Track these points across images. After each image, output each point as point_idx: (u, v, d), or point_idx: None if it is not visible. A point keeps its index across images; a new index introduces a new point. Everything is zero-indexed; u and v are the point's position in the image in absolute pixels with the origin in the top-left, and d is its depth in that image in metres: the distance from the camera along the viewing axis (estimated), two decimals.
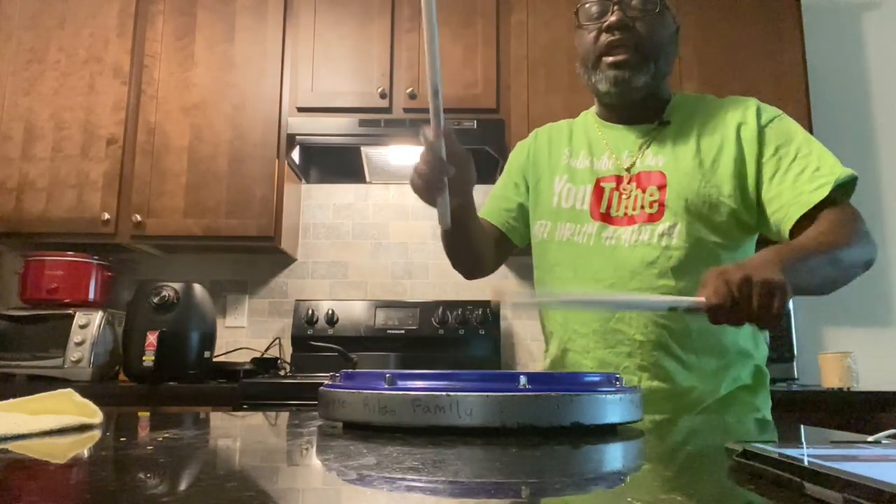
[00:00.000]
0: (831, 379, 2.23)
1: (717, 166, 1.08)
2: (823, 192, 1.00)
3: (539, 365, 2.57)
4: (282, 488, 0.42)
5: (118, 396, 2.08)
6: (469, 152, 1.06)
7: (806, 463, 0.35)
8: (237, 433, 0.74)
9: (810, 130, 2.44)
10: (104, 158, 2.42)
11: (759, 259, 0.85)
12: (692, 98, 1.19)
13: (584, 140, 1.20)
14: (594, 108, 1.24)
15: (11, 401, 0.68)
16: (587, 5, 1.12)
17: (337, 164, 2.71)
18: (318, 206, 2.79)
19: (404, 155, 2.55)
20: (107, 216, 2.37)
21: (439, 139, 1.00)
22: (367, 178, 2.75)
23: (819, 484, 0.33)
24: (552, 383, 0.64)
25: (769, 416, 1.13)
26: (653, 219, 1.08)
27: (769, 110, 1.13)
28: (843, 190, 1.03)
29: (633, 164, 1.12)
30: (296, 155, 2.56)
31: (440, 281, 2.70)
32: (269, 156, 2.43)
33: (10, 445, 0.54)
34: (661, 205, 1.08)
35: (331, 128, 2.42)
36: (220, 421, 0.88)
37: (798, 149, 1.06)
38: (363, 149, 2.52)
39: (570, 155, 1.20)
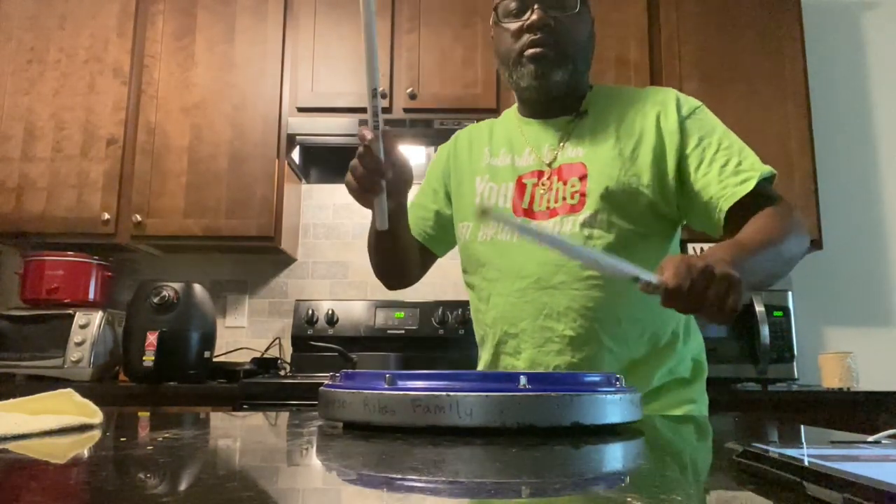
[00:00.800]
0: (831, 379, 2.23)
1: (637, 155, 1.07)
2: (750, 185, 1.00)
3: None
4: (282, 488, 0.42)
5: (118, 396, 2.08)
6: (406, 155, 1.05)
7: (806, 463, 0.35)
8: (237, 433, 0.74)
9: (810, 130, 2.44)
10: (104, 158, 2.42)
11: (717, 255, 0.83)
12: (610, 89, 1.19)
13: (504, 138, 1.20)
14: (515, 107, 1.24)
15: (11, 401, 0.68)
16: (506, 2, 1.13)
17: (337, 164, 2.71)
18: (318, 206, 2.79)
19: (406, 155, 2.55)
20: (107, 216, 2.37)
21: (377, 141, 0.99)
22: None
23: (819, 484, 0.33)
24: (552, 383, 0.64)
25: (705, 411, 1.14)
26: (574, 210, 1.07)
27: (689, 101, 1.12)
28: (766, 183, 1.03)
29: (554, 159, 1.12)
30: (296, 155, 2.56)
31: (440, 281, 2.70)
32: (269, 156, 2.43)
33: (10, 445, 0.54)
34: (583, 195, 1.07)
35: (331, 128, 2.42)
36: (220, 421, 0.88)
37: (720, 141, 1.06)
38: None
39: (490, 154, 1.19)
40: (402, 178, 1.04)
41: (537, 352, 1.06)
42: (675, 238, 1.15)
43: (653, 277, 0.78)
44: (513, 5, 1.12)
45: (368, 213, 1.06)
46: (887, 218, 2.74)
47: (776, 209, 1.00)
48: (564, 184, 1.09)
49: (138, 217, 2.37)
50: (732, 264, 0.81)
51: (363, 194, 1.01)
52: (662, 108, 1.10)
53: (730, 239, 0.96)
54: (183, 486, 0.42)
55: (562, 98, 1.14)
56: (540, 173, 1.12)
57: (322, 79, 2.48)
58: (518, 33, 1.10)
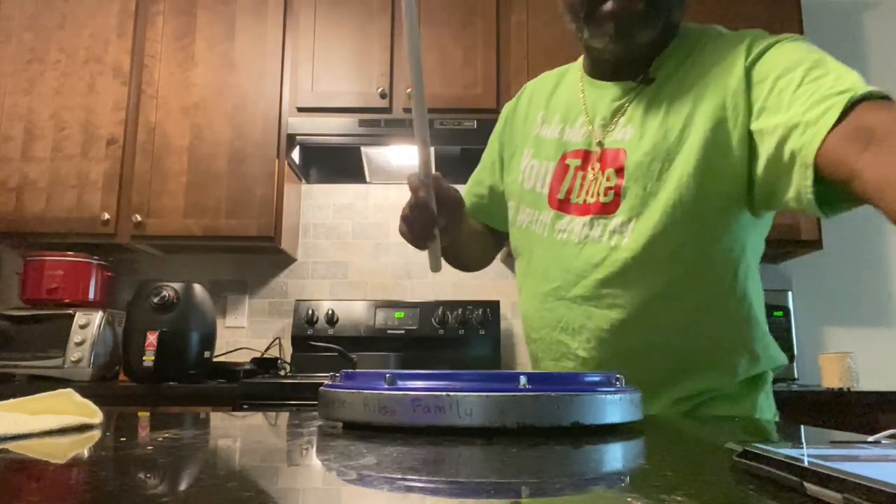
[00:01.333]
0: (831, 379, 2.23)
1: (685, 138, 0.84)
2: (836, 112, 0.68)
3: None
4: (282, 488, 0.42)
5: (118, 396, 2.08)
6: (458, 193, 0.98)
7: (806, 463, 0.35)
8: (237, 433, 0.74)
9: None
10: (104, 158, 2.42)
11: None
12: (695, 35, 0.94)
13: (563, 99, 1.00)
14: (582, 59, 1.02)
15: (11, 401, 0.68)
16: None
17: (337, 164, 2.71)
18: (318, 206, 2.79)
19: (404, 155, 2.55)
20: (107, 216, 2.37)
21: (429, 191, 0.92)
22: (367, 178, 2.75)
23: (819, 484, 0.33)
24: (552, 383, 0.64)
25: (765, 416, 0.95)
26: (607, 210, 0.88)
27: (766, 39, 0.84)
28: (872, 104, 0.69)
29: (605, 135, 0.92)
30: (296, 155, 2.56)
31: (440, 281, 2.70)
32: (269, 156, 2.43)
33: (10, 445, 0.54)
34: (617, 194, 0.88)
35: (331, 128, 2.42)
36: (220, 421, 0.88)
37: (805, 73, 0.75)
38: (363, 149, 2.52)
39: (542, 121, 1.01)
40: (454, 220, 0.98)
41: (553, 365, 0.96)
42: (747, 249, 0.89)
43: None
44: None
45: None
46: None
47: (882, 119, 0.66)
48: (602, 174, 0.90)
49: (138, 217, 2.37)
50: None
51: (416, 243, 0.97)
52: (730, 64, 0.83)
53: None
54: (183, 486, 0.42)
55: (641, 58, 0.91)
56: (587, 154, 0.93)
57: (322, 79, 2.48)
58: None
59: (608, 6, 0.86)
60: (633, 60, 0.92)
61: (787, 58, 0.79)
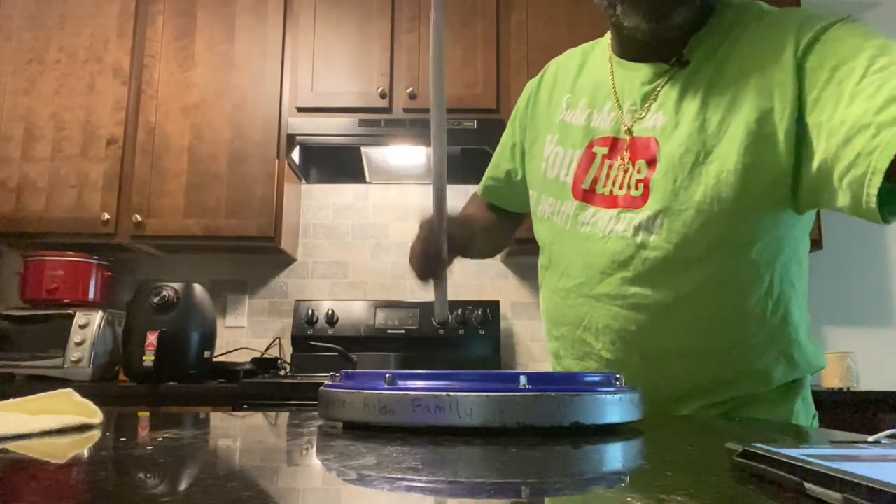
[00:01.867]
0: (831, 379, 2.23)
1: (725, 129, 0.77)
2: None
3: (539, 365, 2.58)
4: (282, 488, 0.42)
5: (118, 396, 2.08)
6: (468, 230, 0.98)
7: (806, 463, 0.35)
8: (237, 433, 0.74)
9: None
10: (104, 158, 2.42)
11: None
12: (735, 13, 0.84)
13: (590, 82, 0.94)
14: (609, 36, 0.95)
15: (11, 401, 0.68)
16: None
17: (337, 164, 2.71)
18: (318, 206, 2.79)
19: (404, 155, 2.55)
20: (107, 216, 2.37)
21: (442, 234, 0.88)
22: (367, 178, 2.75)
23: (819, 484, 0.33)
24: (552, 383, 0.64)
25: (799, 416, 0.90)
26: (635, 204, 0.82)
27: (817, 21, 0.75)
28: None
29: (634, 122, 0.85)
30: (296, 155, 2.56)
31: None
32: (269, 156, 2.43)
33: (10, 445, 0.54)
34: (647, 187, 0.82)
35: (331, 128, 2.42)
36: (220, 421, 0.88)
37: (869, 62, 0.66)
38: (363, 149, 2.52)
39: (567, 105, 0.95)
40: (463, 254, 0.97)
41: (575, 364, 0.92)
42: (786, 248, 0.84)
43: None
44: None
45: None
46: None
47: None
48: (633, 164, 0.84)
49: (138, 217, 2.37)
50: None
51: (423, 281, 0.93)
52: (775, 45, 0.76)
53: None
54: (183, 486, 0.42)
55: (676, 38, 0.84)
56: (615, 141, 0.87)
57: (322, 79, 2.48)
58: None
59: None
60: (668, 41, 0.84)
61: (846, 44, 0.70)
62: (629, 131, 0.85)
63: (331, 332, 2.51)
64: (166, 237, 2.42)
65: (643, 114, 0.85)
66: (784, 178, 0.76)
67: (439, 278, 0.90)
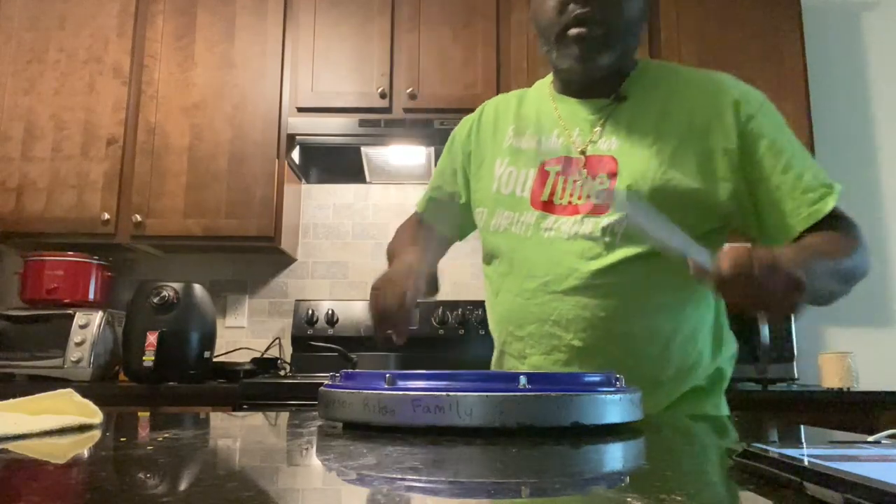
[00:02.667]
0: (831, 379, 2.23)
1: (679, 157, 0.95)
2: (830, 204, 0.93)
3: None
4: (282, 488, 0.42)
5: (118, 396, 2.08)
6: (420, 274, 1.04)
7: (806, 463, 0.35)
8: (237, 433, 0.74)
9: (810, 130, 2.44)
10: (104, 158, 2.42)
11: (786, 253, 0.78)
12: (658, 67, 1.07)
13: (532, 116, 1.09)
14: (549, 78, 1.13)
15: (11, 401, 0.68)
16: None
17: (337, 164, 2.71)
18: (318, 206, 2.79)
19: (404, 155, 2.55)
20: (107, 216, 2.37)
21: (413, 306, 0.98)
22: (367, 178, 2.75)
23: (819, 484, 0.33)
24: (552, 383, 0.64)
25: (722, 412, 1.05)
26: (598, 210, 0.96)
27: (753, 95, 1.00)
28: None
29: (584, 146, 1.01)
30: (296, 155, 2.56)
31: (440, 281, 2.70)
32: (269, 156, 2.43)
33: (10, 445, 0.54)
34: (610, 196, 0.97)
35: (331, 128, 2.42)
36: (220, 421, 0.88)
37: (791, 144, 0.98)
38: (363, 149, 2.52)
39: (514, 133, 1.09)
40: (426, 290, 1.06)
41: (543, 359, 0.99)
42: (720, 241, 1.03)
43: (707, 259, 0.72)
44: None
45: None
46: (887, 218, 2.74)
47: (843, 226, 0.95)
48: (593, 178, 0.98)
49: (138, 217, 2.37)
50: (800, 266, 0.76)
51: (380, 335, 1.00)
52: (715, 106, 0.98)
53: (794, 243, 0.91)
54: (183, 486, 0.42)
55: (603, 78, 1.02)
56: (567, 160, 1.01)
57: (322, 79, 2.48)
58: (563, 4, 0.97)
59: (573, 32, 0.97)
60: (600, 80, 1.03)
61: (775, 124, 0.99)
62: (582, 152, 1.01)
63: (331, 332, 2.51)
64: (166, 237, 2.42)
65: (595, 138, 1.01)
66: (720, 202, 0.96)
67: (393, 345, 1.00)
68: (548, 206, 1.01)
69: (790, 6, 2.52)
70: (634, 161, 0.97)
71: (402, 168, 2.65)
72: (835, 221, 0.94)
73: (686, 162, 0.95)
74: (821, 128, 2.63)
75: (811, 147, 2.42)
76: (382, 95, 2.43)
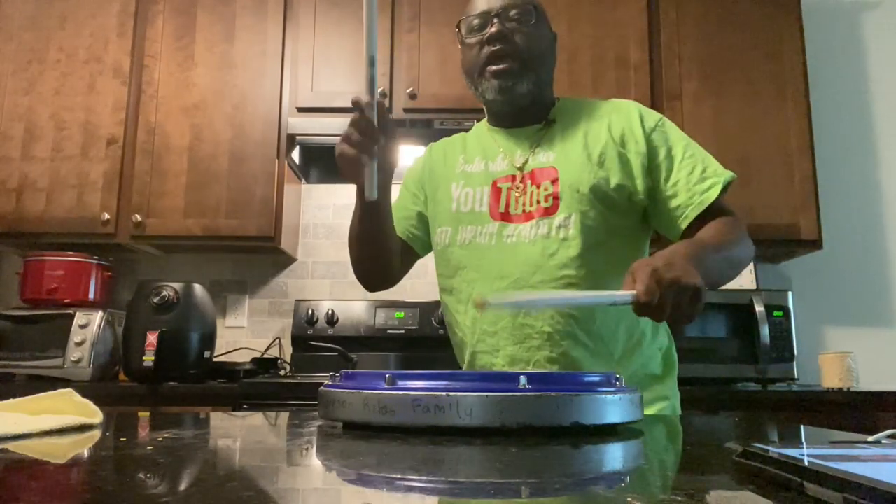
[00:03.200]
0: (831, 379, 2.23)
1: (604, 160, 1.13)
2: (715, 193, 1.09)
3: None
4: (282, 488, 0.42)
5: (118, 396, 2.08)
6: (395, 125, 1.07)
7: (806, 463, 0.35)
8: (237, 433, 0.74)
9: (810, 130, 2.44)
10: (104, 158, 2.42)
11: (681, 259, 0.89)
12: (574, 101, 1.26)
13: (477, 147, 1.25)
14: (485, 119, 1.29)
15: (11, 401, 0.68)
16: (469, 19, 1.18)
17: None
18: (318, 206, 2.79)
19: (404, 155, 2.55)
20: (107, 216, 2.37)
21: (372, 107, 1.01)
22: None
23: (819, 484, 0.33)
24: (552, 383, 0.64)
25: (678, 408, 1.19)
26: (549, 212, 1.12)
27: (652, 114, 1.19)
28: (726, 189, 1.12)
29: (525, 163, 1.17)
30: (296, 155, 2.56)
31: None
32: (269, 156, 2.43)
33: (10, 445, 0.54)
34: (556, 198, 1.12)
35: (331, 128, 2.42)
36: (220, 421, 0.88)
37: (684, 150, 1.14)
38: None
39: (464, 161, 1.24)
40: (391, 148, 1.06)
41: (517, 348, 1.11)
42: (646, 237, 1.22)
43: (628, 298, 0.85)
44: (475, 22, 1.17)
45: None
46: (887, 218, 2.74)
47: (729, 218, 1.10)
48: (538, 187, 1.14)
49: (138, 217, 2.37)
50: (696, 265, 0.89)
51: (356, 161, 1.01)
52: (627, 121, 1.17)
53: (688, 239, 1.04)
54: (183, 486, 0.42)
55: (528, 107, 1.20)
56: (514, 177, 1.17)
57: (322, 79, 2.48)
58: (480, 47, 1.16)
59: (490, 68, 1.15)
60: (527, 110, 1.20)
61: (673, 135, 1.17)
62: (522, 168, 1.17)
63: (331, 332, 2.51)
64: (166, 237, 2.42)
65: (533, 155, 1.18)
66: (638, 198, 1.14)
67: (371, 157, 1.01)
68: (506, 217, 1.15)
69: (790, 6, 2.52)
70: (571, 168, 1.14)
71: (402, 168, 2.63)
72: (719, 212, 1.10)
73: (611, 164, 1.13)
74: (821, 128, 2.63)
75: (811, 147, 2.42)
76: (382, 95, 2.43)
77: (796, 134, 2.43)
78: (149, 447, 0.58)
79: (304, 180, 2.78)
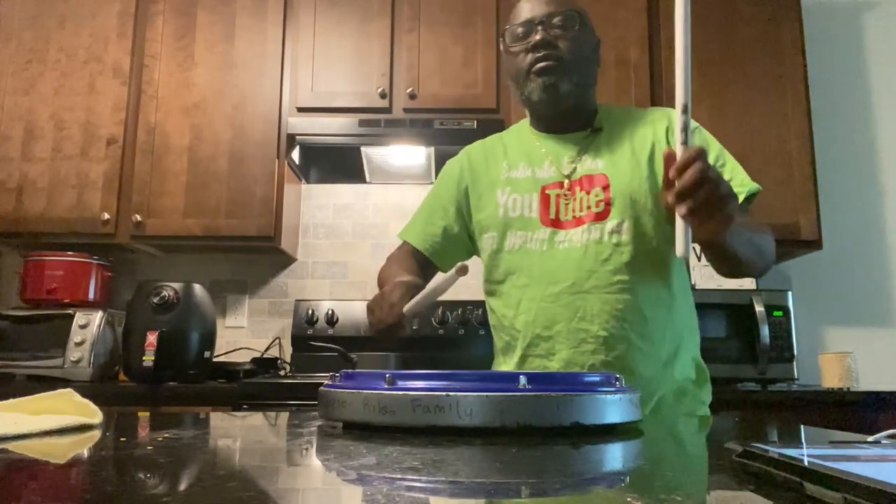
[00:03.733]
0: (831, 379, 2.23)
1: (653, 164, 1.16)
2: (741, 198, 1.11)
3: None
4: (282, 488, 0.42)
5: (118, 396, 2.08)
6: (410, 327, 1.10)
7: (806, 463, 0.35)
8: (237, 433, 0.74)
9: (810, 130, 2.44)
10: (104, 158, 2.42)
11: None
12: (618, 108, 1.29)
13: (521, 151, 1.26)
14: (527, 121, 1.30)
15: (11, 401, 0.68)
16: (513, 27, 1.21)
17: (337, 164, 2.71)
18: (318, 206, 2.79)
19: (404, 155, 2.55)
20: (107, 216, 2.37)
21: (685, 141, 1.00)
22: (367, 178, 2.75)
23: (819, 484, 0.33)
24: (552, 383, 0.64)
25: (708, 412, 1.22)
26: (600, 217, 1.14)
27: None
28: (751, 200, 1.15)
29: (574, 170, 1.19)
30: (296, 155, 2.56)
31: None
32: (269, 156, 2.43)
33: (10, 445, 0.54)
34: (608, 203, 1.14)
35: (331, 128, 2.42)
36: (220, 421, 0.88)
37: (717, 157, 1.16)
38: (363, 149, 2.52)
39: (508, 168, 1.25)
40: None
41: (573, 352, 1.12)
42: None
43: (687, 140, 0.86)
44: (519, 30, 1.20)
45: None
46: (887, 218, 2.74)
47: (758, 221, 1.14)
48: (588, 193, 1.16)
49: (138, 217, 2.37)
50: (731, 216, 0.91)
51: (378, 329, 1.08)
52: (669, 124, 1.19)
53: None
54: (183, 486, 0.42)
55: (573, 112, 1.22)
56: (561, 184, 1.19)
57: (322, 79, 2.48)
58: (524, 53, 1.18)
59: (535, 68, 1.17)
60: (571, 116, 1.22)
61: (708, 139, 1.20)
62: (570, 176, 1.19)
63: (331, 332, 2.51)
64: (166, 237, 2.42)
65: (581, 162, 1.20)
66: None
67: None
68: (556, 223, 1.17)
69: (790, 6, 2.52)
70: (621, 175, 1.16)
71: (402, 168, 2.65)
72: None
73: (659, 166, 1.14)
74: (821, 128, 2.63)
75: (811, 147, 2.42)
76: (382, 95, 2.43)
77: (796, 134, 2.43)
78: (149, 447, 0.58)
79: (304, 180, 2.78)
